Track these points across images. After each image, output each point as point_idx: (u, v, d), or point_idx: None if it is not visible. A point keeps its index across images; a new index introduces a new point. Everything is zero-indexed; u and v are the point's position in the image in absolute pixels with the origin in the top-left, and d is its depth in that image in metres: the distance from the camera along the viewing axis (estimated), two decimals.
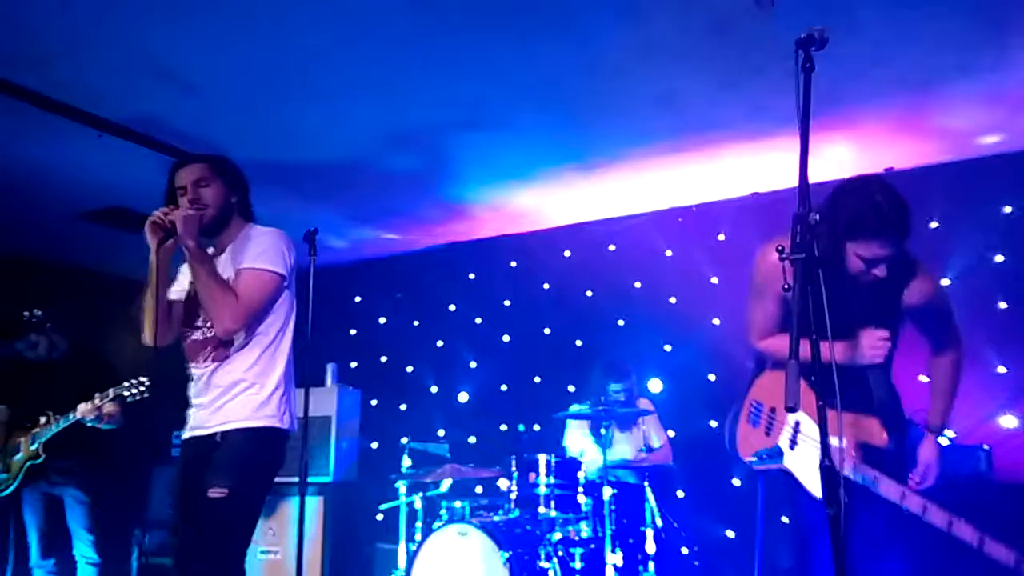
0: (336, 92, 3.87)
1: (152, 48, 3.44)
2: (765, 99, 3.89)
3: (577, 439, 4.65)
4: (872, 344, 2.29)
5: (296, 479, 2.91)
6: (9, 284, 4.66)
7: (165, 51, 3.47)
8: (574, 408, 4.45)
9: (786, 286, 1.64)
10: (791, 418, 2.43)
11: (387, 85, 3.78)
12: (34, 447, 3.84)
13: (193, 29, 3.30)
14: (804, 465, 2.34)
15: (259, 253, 2.57)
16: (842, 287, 2.13)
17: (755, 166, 4.76)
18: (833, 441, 1.61)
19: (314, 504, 5.12)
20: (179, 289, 2.72)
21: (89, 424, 3.71)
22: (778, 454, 2.43)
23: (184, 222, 2.48)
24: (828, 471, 1.55)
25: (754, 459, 2.49)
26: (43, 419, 3.86)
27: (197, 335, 2.62)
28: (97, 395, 3.64)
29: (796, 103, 1.80)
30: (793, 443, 2.40)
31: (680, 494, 4.87)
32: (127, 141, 4.19)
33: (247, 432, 2.52)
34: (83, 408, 3.68)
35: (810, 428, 2.35)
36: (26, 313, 3.94)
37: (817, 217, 1.61)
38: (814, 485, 2.26)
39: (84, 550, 3.97)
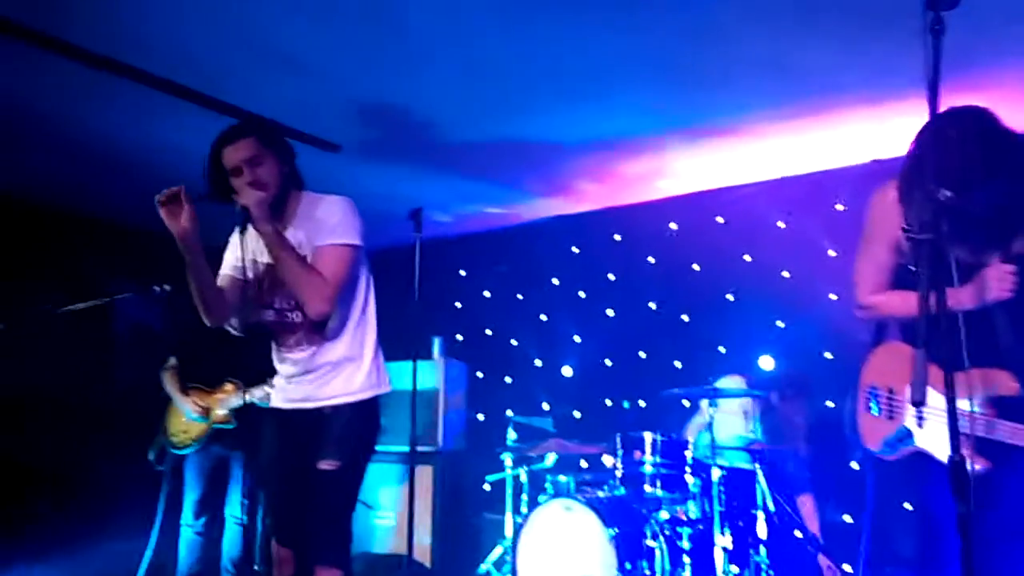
0: (441, 70, 3.88)
1: (266, 34, 3.54)
2: (890, 60, 3.62)
3: (694, 431, 4.54)
4: (1000, 276, 2.05)
5: (407, 448, 2.99)
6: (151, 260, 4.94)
7: (278, 36, 3.56)
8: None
9: (905, 227, 1.50)
10: (909, 393, 2.24)
11: (488, 60, 3.76)
12: (223, 412, 4.06)
13: (303, 14, 3.37)
14: (938, 442, 2.15)
15: (334, 227, 2.50)
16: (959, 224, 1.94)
17: (877, 131, 4.46)
18: (963, 404, 1.47)
19: (424, 473, 5.26)
20: (234, 261, 2.62)
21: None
22: (907, 436, 2.24)
23: (258, 206, 2.38)
24: (956, 467, 1.44)
25: (885, 449, 2.33)
26: (229, 386, 4.09)
27: (283, 318, 2.57)
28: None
29: (924, 67, 1.66)
30: (921, 420, 2.21)
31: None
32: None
33: (356, 405, 2.58)
34: (261, 392, 3.85)
35: (936, 400, 2.18)
36: (156, 288, 4.18)
37: (948, 194, 1.48)
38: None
39: (236, 510, 4.17)
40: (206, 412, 4.12)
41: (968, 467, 1.47)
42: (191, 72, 3.92)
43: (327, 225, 2.51)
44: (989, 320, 2.14)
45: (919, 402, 1.36)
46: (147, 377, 5.96)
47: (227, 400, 4.07)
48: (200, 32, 3.54)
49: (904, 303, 2.16)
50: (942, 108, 1.69)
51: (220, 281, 2.62)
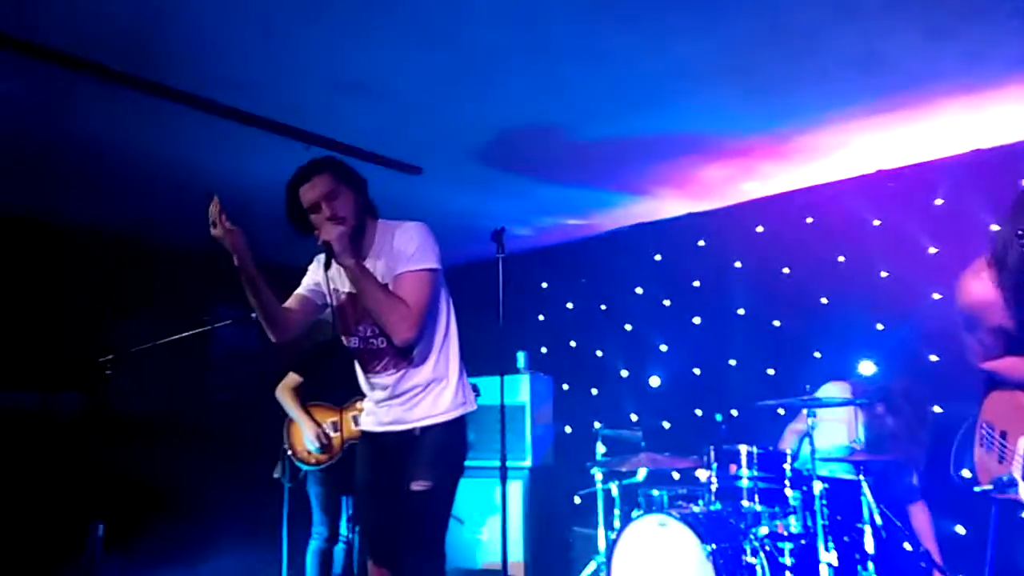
0: (512, 91, 3.89)
1: (342, 64, 3.64)
2: (984, 46, 3.42)
3: (791, 439, 4.38)
4: None
5: (497, 463, 3.01)
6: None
7: (354, 65, 3.65)
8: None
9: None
10: (1021, 448, 2.18)
11: (561, 73, 3.74)
12: (357, 428, 4.09)
13: (376, 42, 3.44)
14: None
15: (413, 253, 2.53)
16: None
17: (975, 121, 4.22)
18: None
19: (515, 488, 5.26)
20: (312, 285, 2.69)
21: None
22: (1012, 484, 2.20)
23: (339, 240, 2.43)
24: None
25: (991, 487, 2.27)
26: (360, 404, 4.20)
27: (369, 344, 2.61)
28: None
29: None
30: None
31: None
32: (331, 151, 4.46)
33: (445, 426, 2.60)
34: None
35: None
36: (253, 314, 4.32)
37: None
38: None
39: (344, 528, 4.31)
40: (327, 440, 4.21)
41: None
42: (276, 106, 4.06)
43: (406, 252, 2.54)
44: None
45: None
46: (244, 397, 6.22)
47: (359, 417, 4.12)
48: (280, 66, 3.66)
49: (1016, 365, 2.19)
50: None
51: (292, 300, 2.70)
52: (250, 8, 3.16)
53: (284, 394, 4.35)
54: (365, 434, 2.75)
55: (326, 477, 4.27)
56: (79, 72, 3.57)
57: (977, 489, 2.33)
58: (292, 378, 4.37)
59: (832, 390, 4.15)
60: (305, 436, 4.24)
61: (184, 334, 3.71)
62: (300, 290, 2.73)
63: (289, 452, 4.34)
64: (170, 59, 3.57)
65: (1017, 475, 2.17)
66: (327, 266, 2.51)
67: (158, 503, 5.32)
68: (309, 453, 4.26)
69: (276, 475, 4.42)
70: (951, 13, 3.20)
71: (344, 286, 2.63)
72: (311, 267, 2.76)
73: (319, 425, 4.24)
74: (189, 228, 5.90)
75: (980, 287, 2.18)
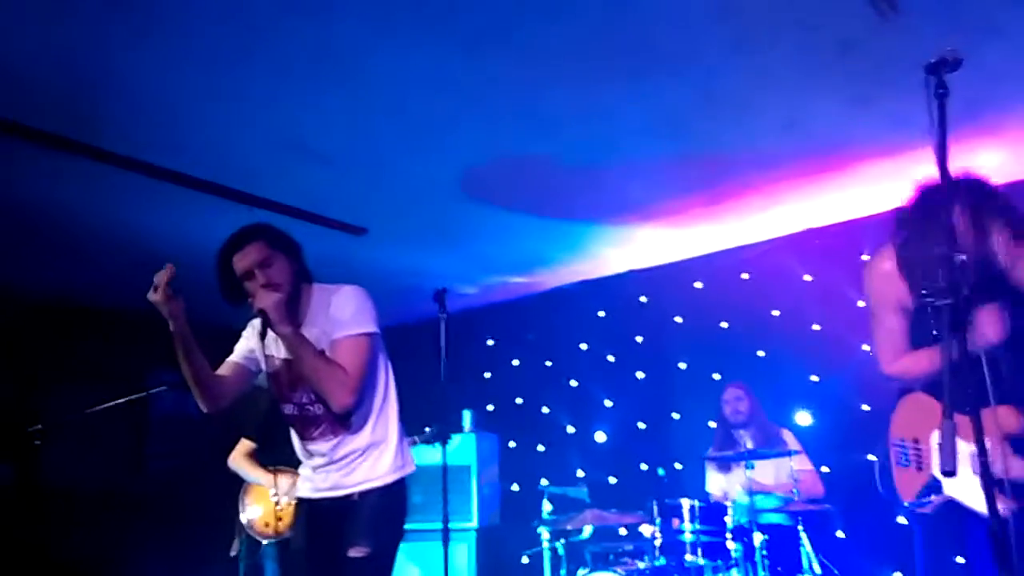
0: (451, 150, 3.98)
1: (285, 125, 3.68)
2: (904, 110, 3.64)
3: (718, 481, 4.46)
4: (992, 320, 2.12)
5: (440, 525, 2.95)
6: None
7: (297, 126, 3.70)
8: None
9: (924, 293, 1.53)
10: (934, 442, 2.23)
11: (501, 138, 3.85)
12: None
13: (320, 106, 3.50)
14: (965, 486, 2.13)
15: (349, 318, 2.51)
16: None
17: (899, 179, 4.44)
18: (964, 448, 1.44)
19: (460, 550, 5.18)
20: (246, 351, 2.66)
21: None
22: (936, 486, 2.24)
23: (275, 309, 2.40)
24: (986, 481, 1.41)
25: (919, 501, 2.30)
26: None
27: (306, 412, 2.58)
28: None
29: (931, 129, 1.69)
30: None
31: (840, 535, 4.56)
32: (275, 213, 4.43)
33: (384, 490, 2.57)
34: None
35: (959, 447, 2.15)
36: None
37: (964, 258, 1.48)
38: (981, 504, 2.06)
39: None
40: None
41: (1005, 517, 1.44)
42: (221, 169, 4.07)
43: (342, 317, 2.52)
44: (992, 359, 2.14)
45: (949, 473, 1.34)
46: (182, 466, 6.00)
47: None
48: (222, 128, 3.68)
49: (930, 362, 2.21)
50: (969, 156, 1.72)
51: (225, 368, 2.66)
52: (189, 71, 3.18)
53: (240, 461, 4.12)
54: (301, 500, 2.70)
55: (285, 552, 4.01)
56: (12, 136, 3.53)
57: (907, 504, 2.34)
58: (245, 444, 4.16)
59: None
60: (280, 492, 3.98)
61: (120, 400, 3.61)
62: (234, 357, 2.69)
63: (247, 524, 4.07)
64: (107, 123, 3.56)
65: (937, 472, 2.19)
66: (263, 334, 2.49)
67: None
68: (267, 524, 4.01)
69: (233, 552, 4.14)
70: (871, 82, 3.41)
71: (279, 352, 2.61)
72: (245, 332, 2.73)
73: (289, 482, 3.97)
74: (125, 291, 5.79)
75: (884, 267, 2.31)
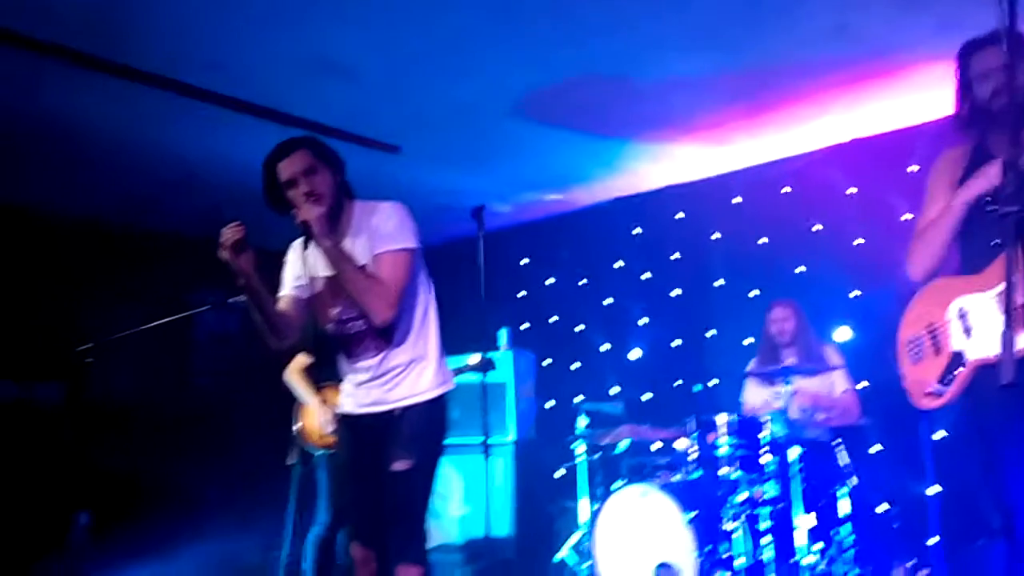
0: (485, 65, 3.87)
1: (318, 44, 3.60)
2: (957, 11, 3.45)
3: (760, 394, 4.46)
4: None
5: (480, 439, 3.01)
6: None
7: (330, 45, 3.62)
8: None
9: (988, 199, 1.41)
10: (952, 312, 2.13)
11: (535, 50, 3.73)
12: None
13: (352, 22, 3.41)
14: (991, 342, 2.02)
15: (389, 233, 2.52)
16: None
17: (948, 88, 4.25)
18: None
19: (498, 464, 5.30)
20: (294, 280, 2.67)
21: None
22: (960, 360, 2.11)
23: (318, 221, 2.41)
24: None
25: (937, 390, 2.16)
26: None
27: (348, 328, 2.60)
28: None
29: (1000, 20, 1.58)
30: (968, 332, 2.10)
31: (876, 448, 4.56)
32: (306, 131, 4.38)
33: (426, 405, 2.60)
34: None
35: (976, 304, 2.08)
36: (231, 300, 4.21)
37: None
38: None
39: None
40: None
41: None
42: (251, 87, 4.02)
43: (383, 232, 2.53)
44: None
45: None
46: (225, 383, 6.15)
47: None
48: (259, 49, 3.63)
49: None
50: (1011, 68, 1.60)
51: (283, 303, 2.67)
52: None
53: (293, 376, 4.17)
54: (345, 416, 2.74)
55: (334, 463, 4.09)
56: (48, 56, 3.51)
57: (930, 390, 2.18)
58: (301, 360, 4.18)
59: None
60: (320, 419, 4.08)
61: (164, 320, 3.67)
62: (286, 290, 2.69)
63: (299, 435, 4.17)
64: (142, 41, 3.52)
65: (961, 344, 2.09)
66: (305, 247, 2.50)
67: (143, 491, 5.30)
68: (321, 436, 4.08)
69: (290, 461, 4.25)
70: None
71: (320, 271, 2.62)
72: (289, 258, 2.73)
73: (333, 408, 4.00)
74: (166, 212, 5.86)
75: (957, 153, 2.24)
